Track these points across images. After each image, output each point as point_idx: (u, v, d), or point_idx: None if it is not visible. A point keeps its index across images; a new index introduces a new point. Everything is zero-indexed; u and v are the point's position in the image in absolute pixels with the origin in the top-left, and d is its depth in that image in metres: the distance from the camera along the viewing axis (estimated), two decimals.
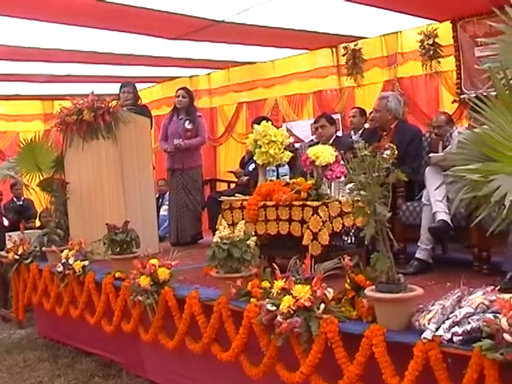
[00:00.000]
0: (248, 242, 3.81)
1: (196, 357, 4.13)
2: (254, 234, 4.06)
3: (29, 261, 6.14)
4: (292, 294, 3.19)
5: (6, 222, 8.60)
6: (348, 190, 3.68)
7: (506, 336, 2.37)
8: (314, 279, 3.23)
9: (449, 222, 4.32)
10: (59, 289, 5.44)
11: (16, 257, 6.25)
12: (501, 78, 2.46)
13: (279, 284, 3.32)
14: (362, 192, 3.02)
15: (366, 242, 3.94)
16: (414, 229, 4.66)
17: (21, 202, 9.21)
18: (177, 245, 6.75)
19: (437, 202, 4.36)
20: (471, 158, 2.53)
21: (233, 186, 7.55)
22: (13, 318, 6.84)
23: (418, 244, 4.53)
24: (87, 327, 5.26)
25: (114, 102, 6.10)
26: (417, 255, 4.51)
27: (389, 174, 3.07)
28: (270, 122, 5.22)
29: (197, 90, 10.26)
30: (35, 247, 6.20)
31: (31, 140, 6.75)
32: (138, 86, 8.29)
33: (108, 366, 5.32)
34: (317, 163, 4.53)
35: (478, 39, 5.08)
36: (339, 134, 7.25)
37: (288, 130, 8.76)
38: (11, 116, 11.23)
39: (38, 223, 8.88)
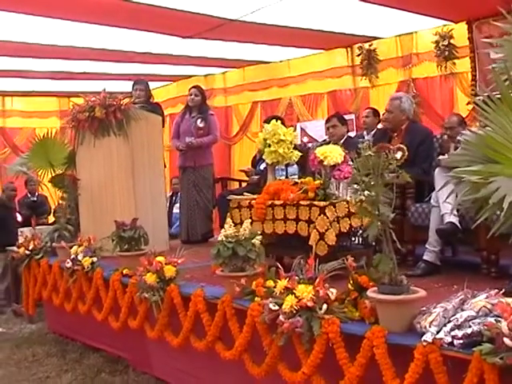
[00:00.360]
0: (253, 241, 3.80)
1: (200, 355, 4.13)
2: (261, 232, 4.04)
3: (39, 256, 6.18)
4: (295, 294, 3.18)
5: (19, 218, 8.66)
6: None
7: (507, 340, 2.34)
8: (317, 279, 3.22)
9: (457, 224, 4.27)
10: (68, 284, 5.47)
11: (27, 252, 6.30)
12: (505, 79, 2.43)
13: (282, 283, 3.31)
14: (365, 192, 3.00)
15: (373, 243, 3.96)
16: (422, 230, 4.62)
17: (35, 198, 9.25)
18: (187, 243, 6.75)
19: (445, 203, 4.30)
20: (474, 160, 2.50)
21: (244, 184, 7.55)
22: (24, 312, 6.90)
23: (426, 246, 4.48)
24: (95, 323, 5.28)
25: (126, 100, 6.11)
26: (424, 257, 4.46)
27: (397, 176, 3.03)
28: (279, 121, 5.20)
29: (212, 88, 10.30)
30: (46, 243, 6.23)
31: (43, 136, 6.78)
32: (154, 84, 8.33)
33: (115, 361, 5.35)
34: (325, 163, 4.49)
35: (485, 39, 4.97)
36: (352, 134, 7.21)
37: (302, 129, 8.77)
38: (28, 112, 11.34)
39: (52, 219, 8.91)
